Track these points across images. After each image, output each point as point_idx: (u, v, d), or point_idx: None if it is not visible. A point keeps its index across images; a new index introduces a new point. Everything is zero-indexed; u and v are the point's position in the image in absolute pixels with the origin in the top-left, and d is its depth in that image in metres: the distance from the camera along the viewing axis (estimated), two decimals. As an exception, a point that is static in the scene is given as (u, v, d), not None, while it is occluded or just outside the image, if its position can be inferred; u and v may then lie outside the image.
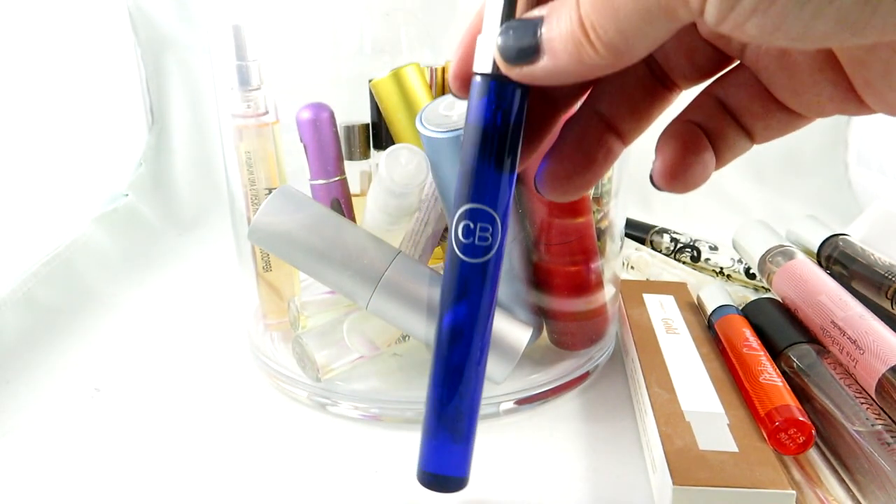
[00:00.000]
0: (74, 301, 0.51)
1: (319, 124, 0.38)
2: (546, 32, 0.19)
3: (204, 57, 0.62)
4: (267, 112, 0.39)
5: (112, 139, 0.70)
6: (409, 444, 0.35)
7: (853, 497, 0.30)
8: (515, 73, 0.20)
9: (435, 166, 0.35)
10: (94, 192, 0.65)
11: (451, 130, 0.33)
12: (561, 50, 0.19)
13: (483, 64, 0.22)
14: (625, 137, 0.24)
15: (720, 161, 0.23)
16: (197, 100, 0.74)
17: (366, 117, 0.41)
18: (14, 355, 0.43)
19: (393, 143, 0.39)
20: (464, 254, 0.23)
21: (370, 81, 0.39)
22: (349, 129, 0.40)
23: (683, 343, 0.40)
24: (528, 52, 0.20)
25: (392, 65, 0.38)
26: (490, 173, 0.22)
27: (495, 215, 0.23)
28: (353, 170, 0.41)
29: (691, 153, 0.22)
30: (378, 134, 0.41)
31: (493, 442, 0.35)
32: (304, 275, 0.37)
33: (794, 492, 0.28)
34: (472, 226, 0.23)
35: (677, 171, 0.22)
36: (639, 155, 0.32)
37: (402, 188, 0.36)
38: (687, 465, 0.29)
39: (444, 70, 0.40)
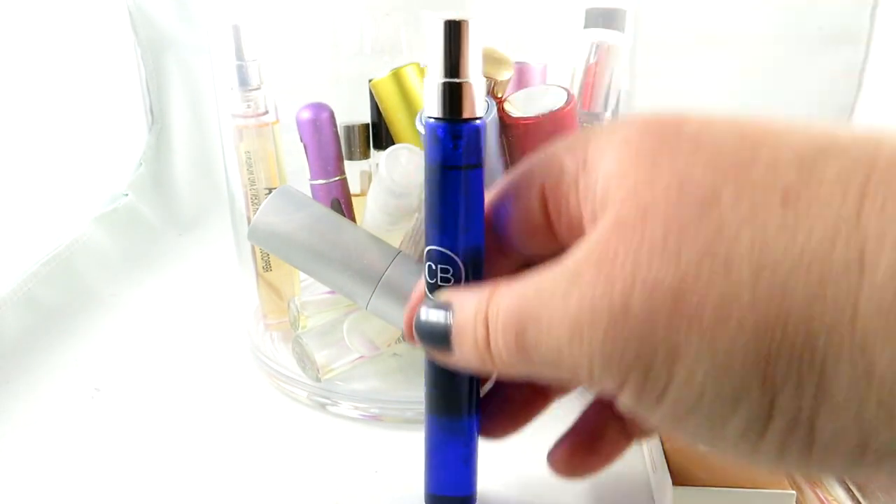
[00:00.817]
0: (74, 301, 0.51)
1: (319, 124, 0.38)
2: (454, 324, 0.21)
3: (204, 57, 0.62)
4: (267, 112, 0.39)
5: (112, 139, 0.70)
6: (409, 444, 0.35)
7: (853, 497, 0.30)
8: (436, 357, 0.22)
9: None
10: (94, 192, 0.65)
11: (451, 130, 0.33)
12: (466, 348, 0.20)
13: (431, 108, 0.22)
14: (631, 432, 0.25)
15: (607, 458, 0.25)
16: (197, 100, 0.74)
17: (366, 117, 0.41)
18: (14, 355, 0.43)
19: (393, 143, 0.39)
20: (430, 292, 0.23)
21: (370, 81, 0.39)
22: (349, 129, 0.40)
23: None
24: (439, 340, 0.21)
25: (392, 65, 0.37)
26: (448, 212, 0.22)
27: (455, 257, 0.22)
28: (353, 170, 0.41)
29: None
30: (378, 134, 0.41)
31: (492, 441, 0.35)
32: (304, 275, 0.37)
33: (794, 492, 0.28)
34: (433, 266, 0.23)
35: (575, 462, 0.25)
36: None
37: (402, 188, 0.36)
38: (687, 465, 0.29)
39: (444, 70, 0.40)
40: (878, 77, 0.67)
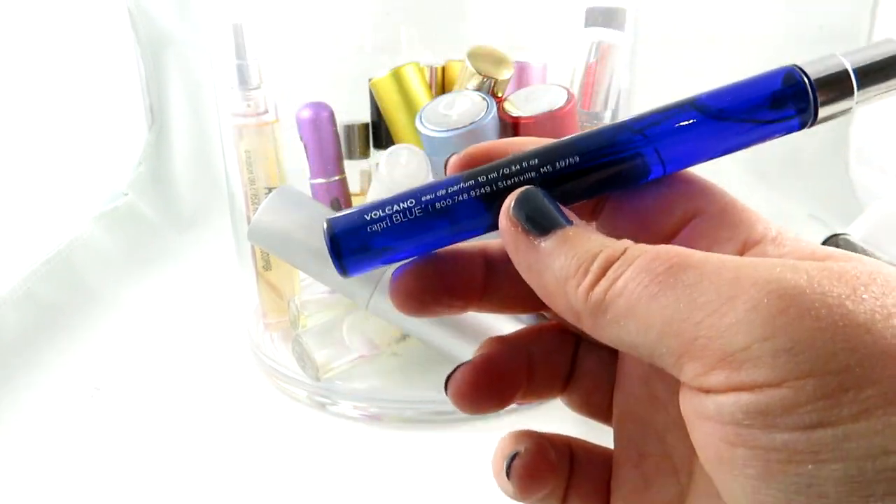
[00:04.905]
0: (74, 299, 0.51)
1: (319, 123, 0.38)
2: (572, 226, 0.17)
3: (204, 56, 0.62)
4: (267, 111, 0.39)
5: (112, 138, 0.70)
6: (409, 443, 0.35)
7: None
8: (513, 240, 0.17)
9: (435, 165, 0.35)
10: (95, 191, 0.65)
11: (451, 129, 0.33)
12: (567, 250, 0.16)
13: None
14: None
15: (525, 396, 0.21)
16: (197, 99, 0.74)
17: (366, 116, 0.41)
18: (14, 353, 0.43)
19: (393, 142, 0.39)
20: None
21: (370, 81, 0.39)
22: (349, 129, 0.40)
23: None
24: (540, 219, 0.17)
25: (392, 64, 0.37)
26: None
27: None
28: (353, 169, 0.41)
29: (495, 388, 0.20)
30: (378, 133, 0.41)
31: (492, 441, 0.35)
32: (304, 274, 0.37)
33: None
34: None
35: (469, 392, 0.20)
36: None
37: (402, 188, 0.36)
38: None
39: (443, 70, 0.40)
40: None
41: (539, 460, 0.20)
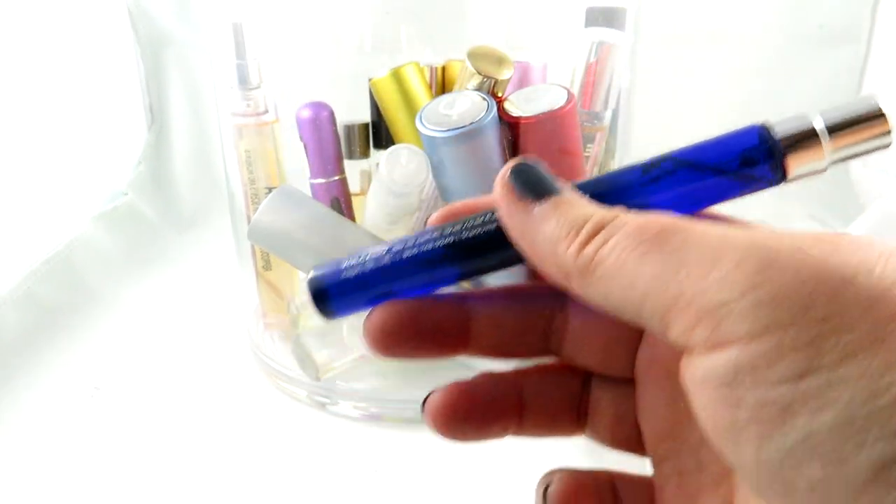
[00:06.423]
0: (74, 299, 0.51)
1: (319, 123, 0.38)
2: (563, 191, 0.17)
3: (204, 55, 0.62)
4: (267, 111, 0.39)
5: (112, 138, 0.70)
6: (409, 443, 0.35)
7: None
8: (508, 207, 0.17)
9: (435, 165, 0.35)
10: (94, 191, 0.65)
11: (451, 129, 0.33)
12: (561, 212, 0.16)
13: None
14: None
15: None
16: (196, 98, 0.74)
17: (366, 116, 0.41)
18: (14, 353, 0.43)
19: (393, 142, 0.39)
20: None
21: (370, 80, 0.39)
22: (349, 129, 0.40)
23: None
24: (535, 185, 0.17)
25: (392, 64, 0.37)
26: None
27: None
28: (353, 169, 0.41)
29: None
30: (378, 133, 0.41)
31: (492, 441, 0.35)
32: (304, 274, 0.37)
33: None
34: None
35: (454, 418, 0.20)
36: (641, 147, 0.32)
37: (402, 188, 0.36)
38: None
39: (443, 69, 0.40)
40: (878, 76, 0.67)
41: (574, 487, 0.20)
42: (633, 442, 0.21)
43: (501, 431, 0.21)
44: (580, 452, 0.34)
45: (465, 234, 0.18)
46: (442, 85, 0.40)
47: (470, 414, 0.20)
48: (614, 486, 0.21)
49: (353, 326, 0.38)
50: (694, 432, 0.19)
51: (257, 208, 0.35)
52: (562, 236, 0.16)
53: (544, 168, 0.17)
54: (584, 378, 0.21)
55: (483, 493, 0.32)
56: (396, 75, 0.37)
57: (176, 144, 0.74)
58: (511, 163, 0.18)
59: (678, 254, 0.14)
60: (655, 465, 0.20)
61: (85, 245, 0.56)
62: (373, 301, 0.19)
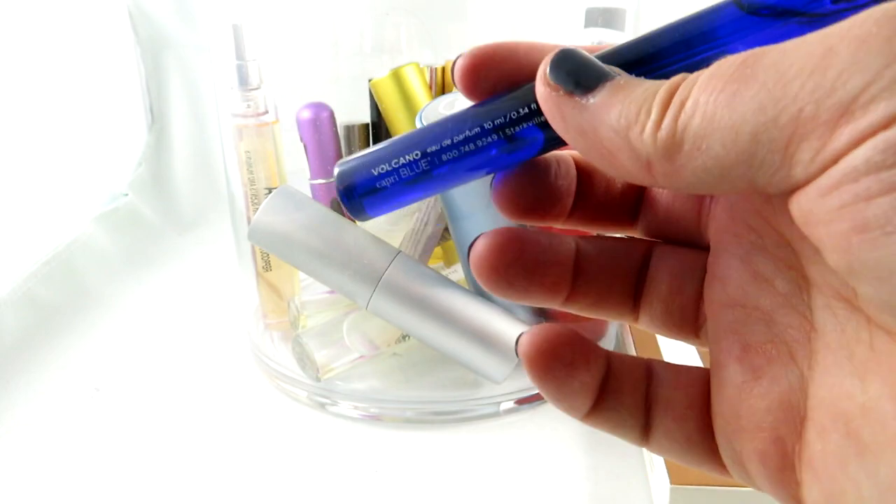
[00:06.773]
0: (74, 300, 0.51)
1: (319, 124, 0.38)
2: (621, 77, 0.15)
3: (204, 56, 0.62)
4: (266, 112, 0.39)
5: (112, 139, 0.70)
6: (409, 443, 0.35)
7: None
8: (549, 99, 0.15)
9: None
10: (94, 192, 0.65)
11: (451, 130, 0.33)
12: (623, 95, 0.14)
13: None
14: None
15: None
16: (197, 99, 0.74)
17: (366, 117, 0.41)
18: (14, 354, 0.43)
19: (393, 142, 0.39)
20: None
21: (370, 81, 0.39)
22: (349, 129, 0.40)
23: (683, 342, 0.40)
24: (584, 75, 0.15)
25: (392, 64, 0.37)
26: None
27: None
28: (353, 169, 0.41)
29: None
30: (378, 133, 0.41)
31: (492, 441, 0.35)
32: (304, 275, 0.37)
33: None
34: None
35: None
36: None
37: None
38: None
39: (443, 70, 0.40)
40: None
41: (558, 338, 0.18)
42: (687, 320, 0.19)
43: (551, 293, 0.19)
44: (580, 451, 0.34)
45: (508, 131, 0.16)
46: (442, 85, 0.40)
47: (519, 258, 0.18)
48: (609, 358, 0.19)
49: (353, 326, 0.38)
50: (769, 295, 0.16)
51: (257, 209, 0.35)
52: (632, 121, 0.14)
53: (585, 53, 0.15)
54: (646, 252, 0.19)
55: (483, 493, 0.32)
56: (396, 76, 0.37)
57: (176, 145, 0.74)
58: (548, 57, 0.15)
59: (777, 69, 0.12)
60: (714, 341, 0.18)
61: (85, 246, 0.56)
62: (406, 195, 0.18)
